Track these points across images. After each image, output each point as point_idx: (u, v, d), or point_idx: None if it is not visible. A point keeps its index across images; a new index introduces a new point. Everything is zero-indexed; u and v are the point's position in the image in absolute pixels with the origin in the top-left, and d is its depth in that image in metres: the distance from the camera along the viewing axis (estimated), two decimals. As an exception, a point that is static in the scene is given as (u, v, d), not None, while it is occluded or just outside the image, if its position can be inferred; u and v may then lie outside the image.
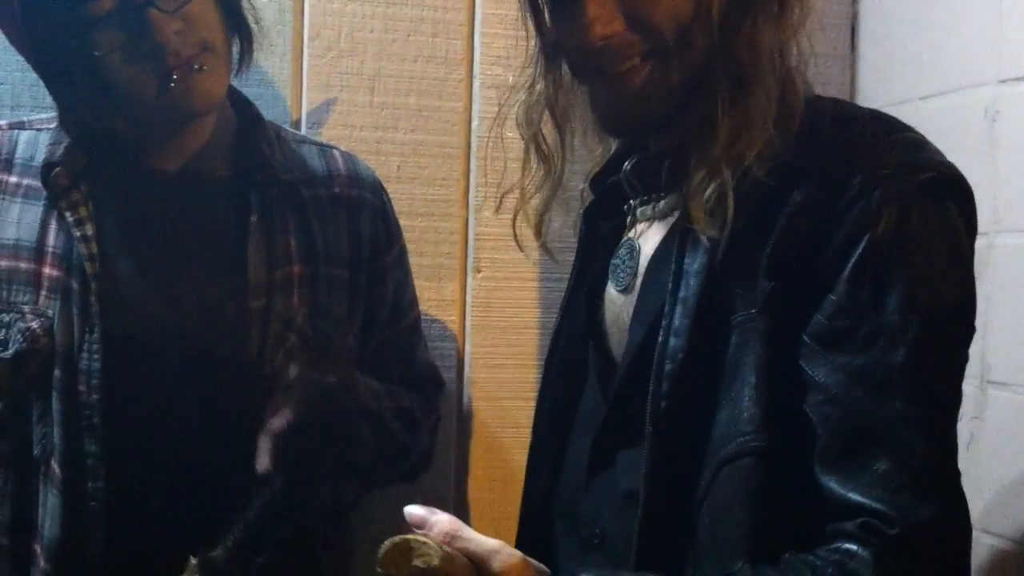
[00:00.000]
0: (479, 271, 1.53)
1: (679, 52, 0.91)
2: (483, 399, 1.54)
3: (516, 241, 1.08)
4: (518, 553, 0.81)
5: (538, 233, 1.08)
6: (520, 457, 1.16)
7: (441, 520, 0.80)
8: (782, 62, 0.93)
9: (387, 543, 0.76)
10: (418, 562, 0.76)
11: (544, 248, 1.09)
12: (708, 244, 0.91)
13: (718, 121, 0.90)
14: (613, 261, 1.03)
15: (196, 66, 1.09)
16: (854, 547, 0.81)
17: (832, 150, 0.90)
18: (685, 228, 0.93)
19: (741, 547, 0.85)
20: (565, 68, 1.00)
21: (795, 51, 0.95)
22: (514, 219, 1.07)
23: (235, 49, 1.18)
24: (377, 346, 1.30)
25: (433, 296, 1.51)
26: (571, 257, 1.12)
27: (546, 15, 0.98)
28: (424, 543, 0.76)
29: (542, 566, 0.84)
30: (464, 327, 1.54)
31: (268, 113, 1.31)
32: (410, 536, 0.77)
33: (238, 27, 1.17)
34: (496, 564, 0.79)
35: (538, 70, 1.02)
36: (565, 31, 0.95)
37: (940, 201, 0.88)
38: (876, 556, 0.81)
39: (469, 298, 1.52)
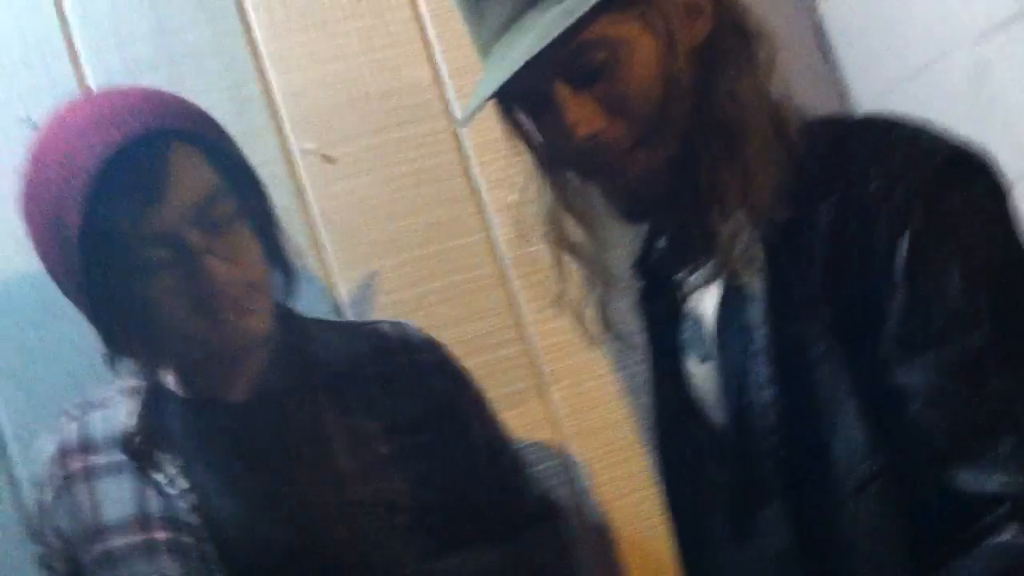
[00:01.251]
0: (557, 382, 1.53)
1: (664, 127, 0.93)
2: (610, 503, 1.52)
3: (590, 339, 1.09)
4: None
5: (608, 327, 1.09)
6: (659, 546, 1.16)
7: None
8: (767, 101, 0.95)
9: None
10: None
11: (618, 338, 1.10)
12: (760, 294, 0.92)
13: (725, 179, 0.91)
14: (683, 337, 1.04)
15: (246, 307, 1.13)
16: (1008, 537, 0.80)
17: (841, 166, 0.91)
18: (733, 286, 0.94)
19: (902, 567, 0.84)
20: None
21: (775, 85, 0.97)
22: (581, 320, 1.08)
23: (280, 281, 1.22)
24: (488, 493, 1.29)
25: (522, 421, 1.50)
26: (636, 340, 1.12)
27: (530, 129, 1.01)
28: None
29: None
30: (564, 442, 1.53)
31: (308, 300, 1.34)
32: None
33: (282, 265, 1.22)
34: None
35: (543, 180, 1.04)
36: (553, 139, 0.97)
37: (960, 177, 0.89)
38: None
39: (559, 413, 1.53)
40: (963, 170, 0.89)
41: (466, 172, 1.54)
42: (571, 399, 1.54)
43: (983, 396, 0.83)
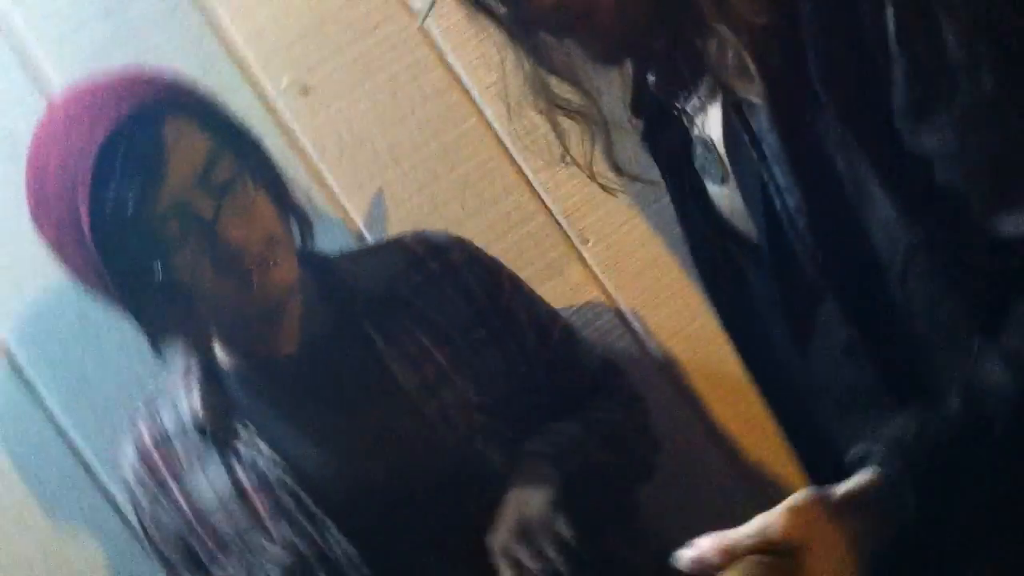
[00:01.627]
0: (586, 241, 1.54)
1: None
2: (670, 340, 1.55)
3: (605, 189, 1.10)
4: (784, 504, 0.78)
5: (619, 170, 1.08)
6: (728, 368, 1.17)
7: (705, 547, 0.78)
8: None
9: None
10: None
11: (633, 178, 1.10)
12: (760, 102, 0.90)
13: None
14: (697, 164, 1.03)
15: (270, 262, 1.14)
16: None
17: None
18: (732, 102, 0.93)
19: (968, 332, 0.85)
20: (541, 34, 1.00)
21: None
22: (593, 174, 1.08)
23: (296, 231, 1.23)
24: (548, 373, 1.33)
25: (565, 288, 1.52)
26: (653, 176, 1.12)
27: (491, 2, 0.99)
28: None
29: (810, 490, 0.80)
30: (610, 296, 1.55)
31: (327, 237, 1.35)
32: None
33: (294, 212, 1.23)
34: (780, 533, 0.76)
35: (517, 50, 1.03)
36: (516, 7, 0.96)
37: None
38: None
39: (597, 270, 1.54)
40: None
41: (442, 62, 1.52)
42: (605, 253, 1.54)
43: (1007, 138, 0.82)
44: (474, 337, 1.27)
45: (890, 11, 0.84)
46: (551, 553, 1.11)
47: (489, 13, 0.99)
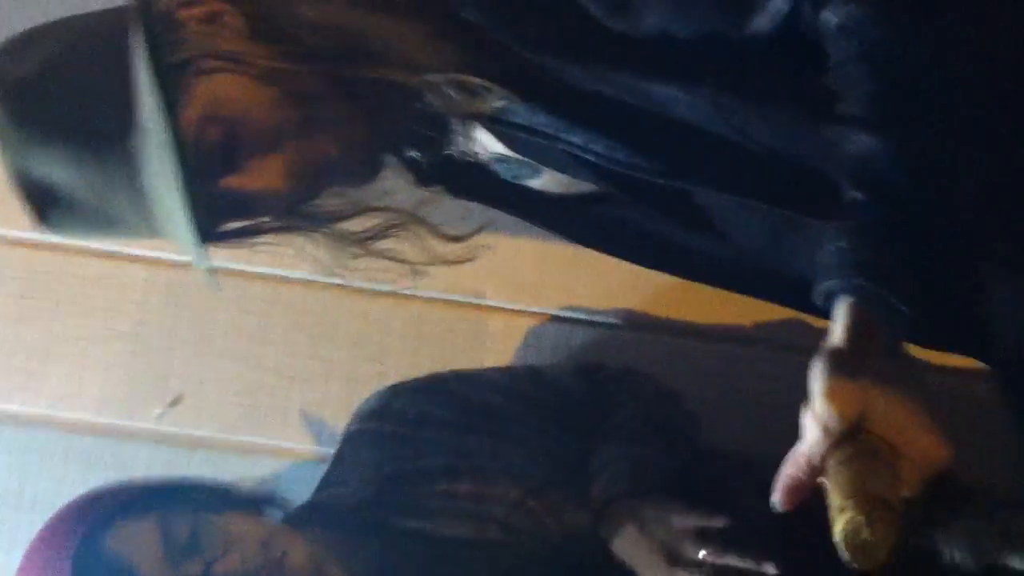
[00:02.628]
0: (483, 294, 1.52)
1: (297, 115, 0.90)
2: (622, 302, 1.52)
3: (463, 261, 1.08)
4: (816, 394, 0.74)
5: (458, 239, 1.06)
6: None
7: (788, 478, 0.75)
8: None
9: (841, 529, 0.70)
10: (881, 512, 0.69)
11: (476, 232, 1.08)
12: (505, 101, 0.91)
13: (379, 71, 0.89)
14: (509, 178, 1.04)
15: (279, 557, 1.10)
16: None
17: None
18: (487, 118, 0.93)
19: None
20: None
21: None
22: (444, 261, 1.07)
23: None
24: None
25: (499, 341, 1.50)
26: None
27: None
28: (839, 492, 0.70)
29: (822, 364, 0.76)
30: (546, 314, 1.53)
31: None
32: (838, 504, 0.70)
33: (263, 504, 1.19)
34: (837, 424, 0.73)
35: (303, 235, 1.01)
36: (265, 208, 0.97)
37: None
38: None
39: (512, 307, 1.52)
40: None
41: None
42: (506, 291, 1.52)
43: None
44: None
45: None
46: (700, 552, 1.07)
47: (253, 234, 0.98)
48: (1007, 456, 0.99)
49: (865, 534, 0.69)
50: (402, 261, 1.04)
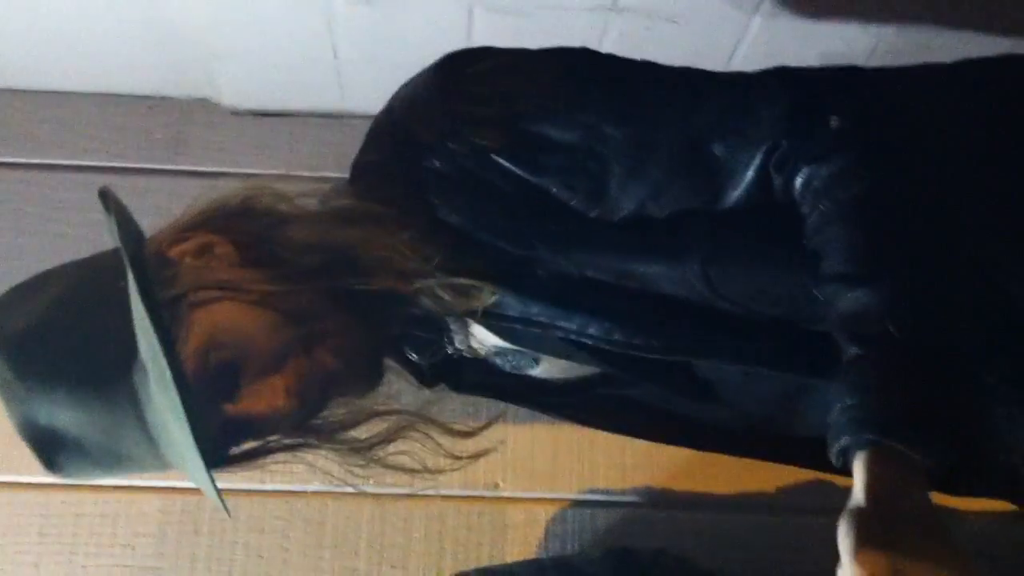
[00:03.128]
0: (496, 486, 1.51)
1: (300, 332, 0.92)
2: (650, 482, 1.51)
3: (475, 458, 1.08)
4: (846, 559, 0.74)
5: (468, 435, 1.06)
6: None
7: None
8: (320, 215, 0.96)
9: None
10: None
11: (484, 427, 1.08)
12: (495, 295, 0.93)
13: (375, 278, 0.92)
14: (510, 369, 1.05)
15: None
16: None
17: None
18: (481, 314, 0.95)
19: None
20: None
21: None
22: (454, 461, 1.06)
23: None
24: None
25: (521, 531, 1.47)
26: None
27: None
28: None
29: (847, 527, 0.75)
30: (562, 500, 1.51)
31: None
32: None
33: None
34: None
35: (316, 445, 1.01)
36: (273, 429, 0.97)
37: None
38: None
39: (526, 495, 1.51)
40: None
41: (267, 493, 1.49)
42: (518, 482, 1.51)
43: None
44: None
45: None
46: None
47: (264, 455, 0.99)
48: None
49: None
50: (412, 468, 1.03)
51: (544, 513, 1.49)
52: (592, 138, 0.88)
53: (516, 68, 0.93)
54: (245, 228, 0.94)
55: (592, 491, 1.50)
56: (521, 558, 1.44)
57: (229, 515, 0.94)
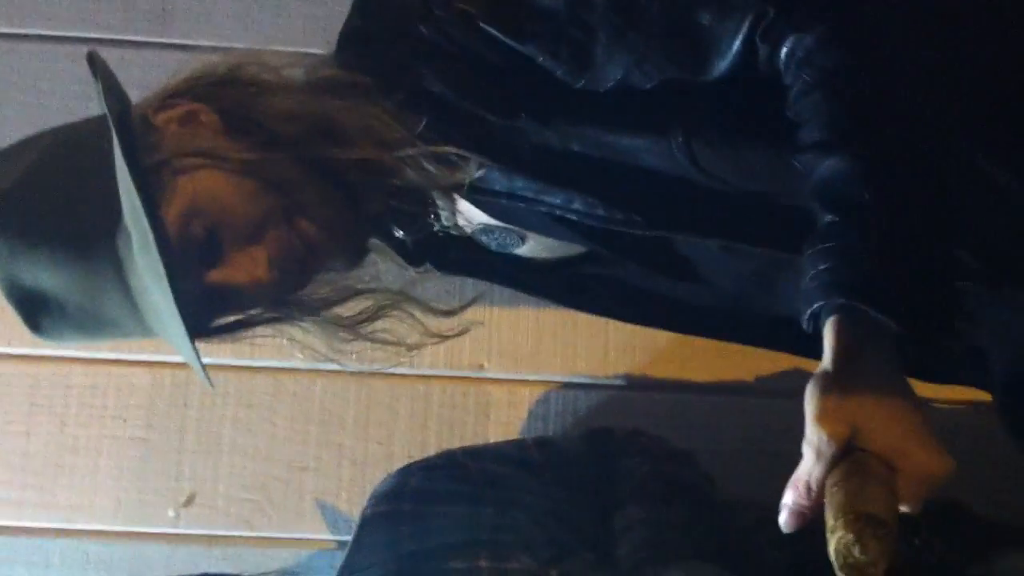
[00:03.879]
0: (481, 366, 1.53)
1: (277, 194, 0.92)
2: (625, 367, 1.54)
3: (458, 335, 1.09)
4: (809, 417, 0.74)
5: (450, 313, 1.08)
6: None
7: (792, 500, 0.74)
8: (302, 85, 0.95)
9: (833, 549, 0.69)
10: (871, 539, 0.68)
11: (465, 307, 1.09)
12: (482, 169, 0.93)
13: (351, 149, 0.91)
14: (495, 248, 1.05)
15: None
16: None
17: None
18: (467, 188, 0.95)
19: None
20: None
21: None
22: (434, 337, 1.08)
23: None
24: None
25: (505, 413, 1.51)
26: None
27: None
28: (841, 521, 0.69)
29: (814, 387, 0.76)
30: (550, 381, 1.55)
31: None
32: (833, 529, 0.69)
33: None
34: (831, 446, 0.72)
35: (295, 322, 1.03)
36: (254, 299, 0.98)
37: None
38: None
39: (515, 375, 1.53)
40: None
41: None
42: (504, 363, 1.53)
43: None
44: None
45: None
46: None
47: (249, 325, 0.99)
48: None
49: (856, 552, 0.68)
50: (394, 343, 1.05)
51: (527, 394, 1.51)
52: (577, 4, 0.87)
53: None
54: (230, 96, 0.93)
55: (574, 374, 1.52)
56: (504, 438, 1.47)
57: (212, 386, 0.95)
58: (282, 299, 0.98)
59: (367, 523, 1.30)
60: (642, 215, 0.92)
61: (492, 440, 1.47)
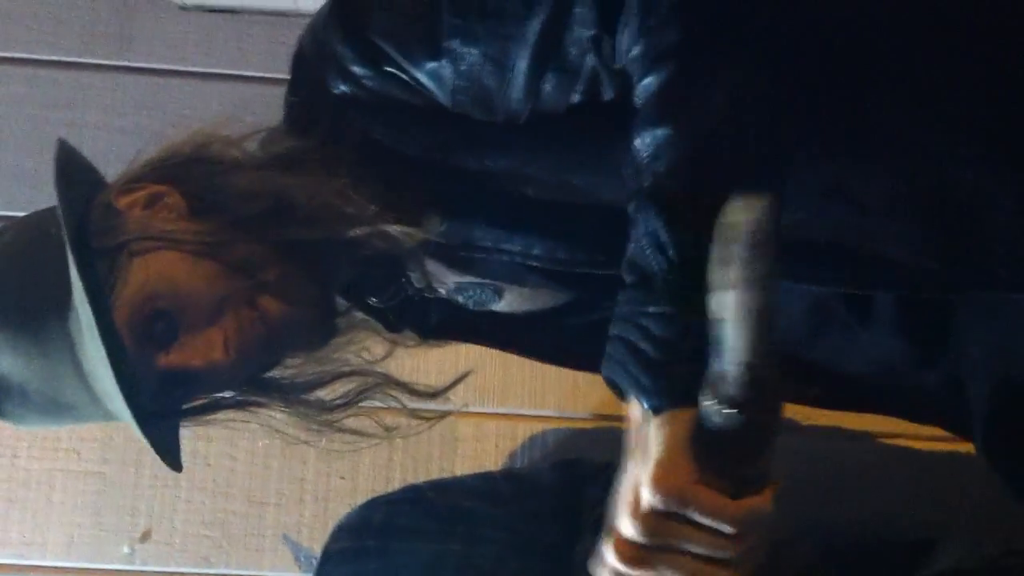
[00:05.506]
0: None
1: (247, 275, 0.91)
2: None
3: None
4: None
5: (434, 395, 1.05)
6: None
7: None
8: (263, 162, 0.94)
9: None
10: None
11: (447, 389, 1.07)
12: (443, 224, 0.92)
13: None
14: (473, 306, 1.03)
15: None
16: None
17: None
18: (433, 247, 0.93)
19: None
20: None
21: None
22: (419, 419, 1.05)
23: None
24: None
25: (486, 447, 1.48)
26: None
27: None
28: None
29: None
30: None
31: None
32: None
33: None
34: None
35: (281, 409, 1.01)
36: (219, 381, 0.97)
37: None
38: None
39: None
40: None
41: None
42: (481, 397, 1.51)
43: None
44: None
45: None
46: None
47: (216, 409, 0.99)
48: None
49: None
50: (371, 436, 1.03)
51: (494, 428, 1.49)
52: (455, 60, 0.86)
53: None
54: (195, 176, 0.93)
55: (542, 408, 1.50)
56: (471, 472, 1.45)
57: (178, 469, 0.96)
58: (252, 380, 0.96)
59: (330, 559, 1.27)
60: (605, 254, 0.89)
61: (459, 473, 1.45)
